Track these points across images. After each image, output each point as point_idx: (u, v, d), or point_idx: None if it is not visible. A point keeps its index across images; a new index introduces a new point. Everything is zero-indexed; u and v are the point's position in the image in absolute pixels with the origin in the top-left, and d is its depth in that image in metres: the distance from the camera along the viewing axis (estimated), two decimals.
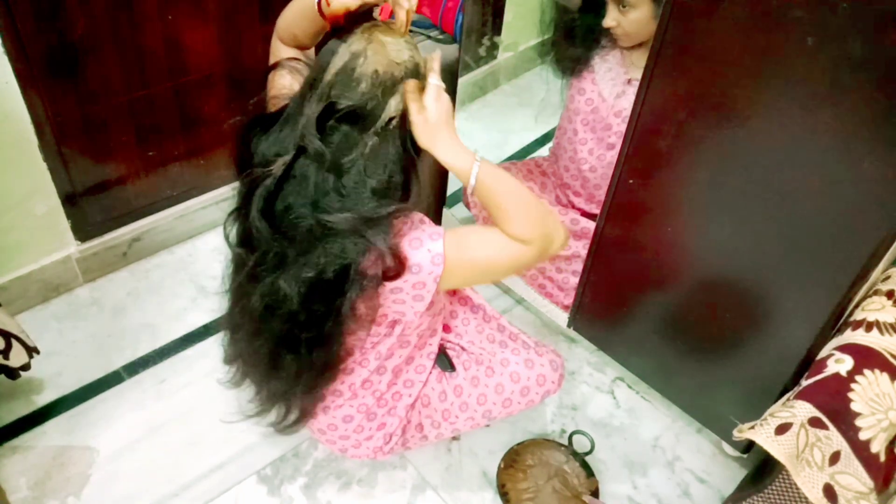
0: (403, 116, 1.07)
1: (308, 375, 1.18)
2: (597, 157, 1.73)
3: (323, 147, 1.04)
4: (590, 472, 1.47)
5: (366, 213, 1.04)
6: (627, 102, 1.62)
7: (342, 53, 1.06)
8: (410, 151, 1.08)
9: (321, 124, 1.05)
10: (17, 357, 1.42)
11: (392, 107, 1.05)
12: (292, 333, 1.12)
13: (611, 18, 1.53)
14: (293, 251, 1.07)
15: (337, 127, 1.05)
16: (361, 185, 1.05)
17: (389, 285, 1.08)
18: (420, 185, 1.11)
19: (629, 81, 1.63)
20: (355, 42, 1.06)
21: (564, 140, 1.78)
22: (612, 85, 1.66)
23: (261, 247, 1.10)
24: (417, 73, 1.08)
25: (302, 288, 1.07)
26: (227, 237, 1.17)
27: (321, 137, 1.04)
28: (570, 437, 1.52)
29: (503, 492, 1.44)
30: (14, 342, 1.41)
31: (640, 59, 1.61)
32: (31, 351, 1.47)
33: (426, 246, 1.08)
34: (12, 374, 1.48)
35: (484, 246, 1.12)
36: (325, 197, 1.05)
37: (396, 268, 1.06)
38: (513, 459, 1.49)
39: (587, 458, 1.49)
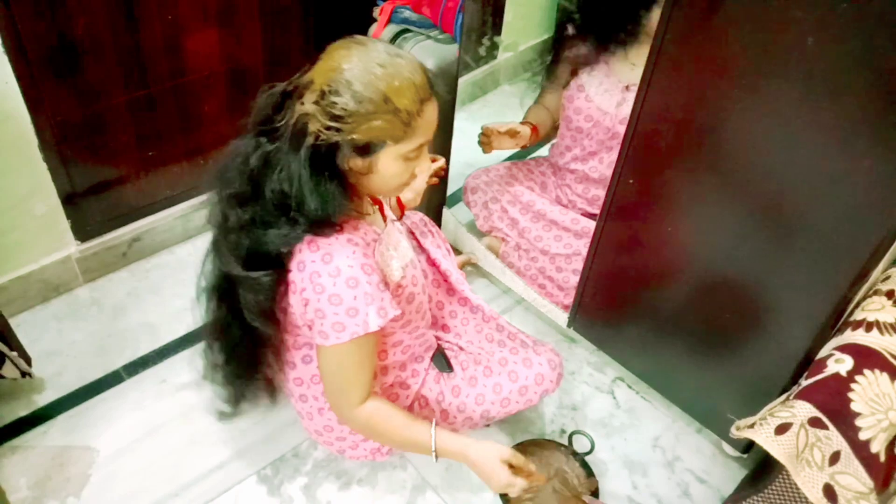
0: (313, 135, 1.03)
1: (245, 346, 1.23)
2: (597, 157, 1.73)
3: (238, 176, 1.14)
4: (590, 472, 1.47)
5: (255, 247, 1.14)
6: (629, 108, 1.62)
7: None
8: (322, 171, 1.05)
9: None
10: (8, 370, 1.44)
11: (293, 112, 1.04)
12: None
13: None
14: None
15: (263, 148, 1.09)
16: (269, 208, 1.10)
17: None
18: (341, 205, 1.08)
19: (627, 88, 1.62)
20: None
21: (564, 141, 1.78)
22: (610, 96, 1.65)
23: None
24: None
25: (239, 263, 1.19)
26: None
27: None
28: (570, 437, 1.51)
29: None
30: (7, 360, 1.42)
31: (629, 63, 1.61)
32: (25, 374, 1.48)
33: (330, 320, 1.09)
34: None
35: (334, 372, 1.16)
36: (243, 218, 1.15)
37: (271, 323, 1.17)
38: None
39: (587, 458, 1.48)
